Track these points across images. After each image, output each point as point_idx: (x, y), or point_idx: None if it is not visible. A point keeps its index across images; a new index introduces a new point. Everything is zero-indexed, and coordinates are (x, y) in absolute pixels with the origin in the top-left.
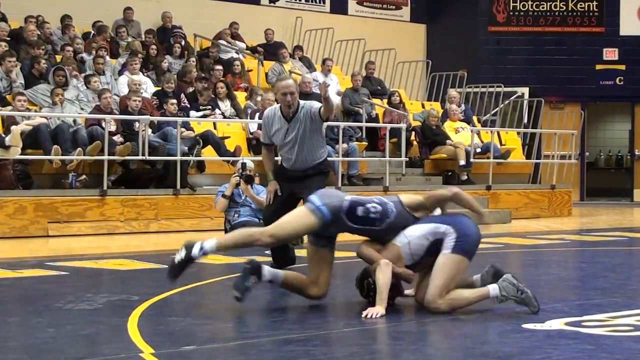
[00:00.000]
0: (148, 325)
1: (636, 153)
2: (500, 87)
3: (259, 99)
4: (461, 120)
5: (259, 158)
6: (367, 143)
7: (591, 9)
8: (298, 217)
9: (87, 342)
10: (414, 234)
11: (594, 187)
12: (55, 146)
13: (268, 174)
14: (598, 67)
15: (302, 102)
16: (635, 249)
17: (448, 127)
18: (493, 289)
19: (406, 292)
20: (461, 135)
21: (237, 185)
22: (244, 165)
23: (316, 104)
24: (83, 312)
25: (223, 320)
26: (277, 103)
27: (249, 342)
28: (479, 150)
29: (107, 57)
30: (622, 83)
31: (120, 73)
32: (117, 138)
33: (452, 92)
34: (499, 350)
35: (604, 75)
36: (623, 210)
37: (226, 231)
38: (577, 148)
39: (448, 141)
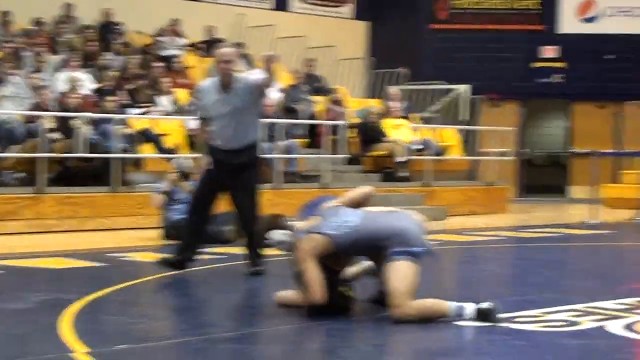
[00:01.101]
0: (82, 324)
1: (573, 150)
2: (440, 84)
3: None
4: (401, 117)
5: (198, 155)
6: (306, 140)
7: (531, 7)
8: (413, 275)
9: (20, 341)
10: None
11: (530, 184)
12: None
13: (203, 148)
14: (537, 65)
15: (240, 74)
16: (570, 245)
17: (388, 124)
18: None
19: None
20: (401, 133)
21: (175, 182)
22: (181, 162)
23: (254, 76)
24: (17, 311)
25: (158, 319)
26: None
27: (184, 341)
28: (420, 146)
29: (47, 54)
30: (560, 81)
31: (60, 70)
32: (55, 135)
33: (393, 89)
34: (433, 346)
35: (543, 73)
36: (559, 207)
37: (163, 229)
38: (514, 145)
39: (387, 138)
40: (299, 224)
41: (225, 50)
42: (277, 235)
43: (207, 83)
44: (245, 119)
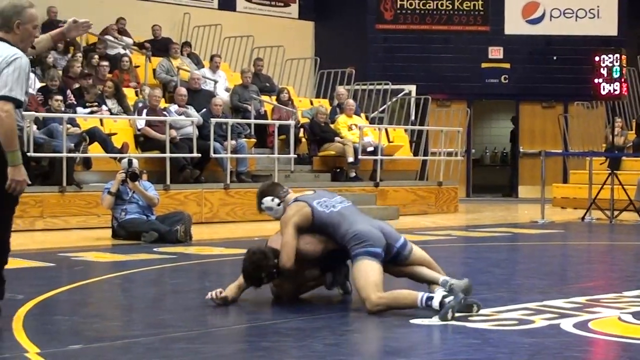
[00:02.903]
0: (33, 325)
1: (520, 150)
2: (388, 84)
3: (146, 95)
4: (355, 115)
5: (146, 155)
6: (255, 140)
7: (477, 8)
8: (374, 271)
9: None
10: None
11: (479, 184)
12: None
13: (17, 155)
14: (483, 65)
15: None
16: (520, 245)
17: (342, 122)
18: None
19: None
20: (354, 133)
21: (124, 182)
22: (130, 162)
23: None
24: None
25: (110, 318)
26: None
27: (137, 341)
28: (371, 149)
29: None
30: (506, 81)
31: None
32: None
33: (340, 89)
34: (387, 345)
35: (490, 74)
36: (508, 207)
37: (113, 229)
38: (463, 145)
39: (337, 138)
40: (291, 196)
41: (35, 12)
42: (267, 201)
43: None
44: None
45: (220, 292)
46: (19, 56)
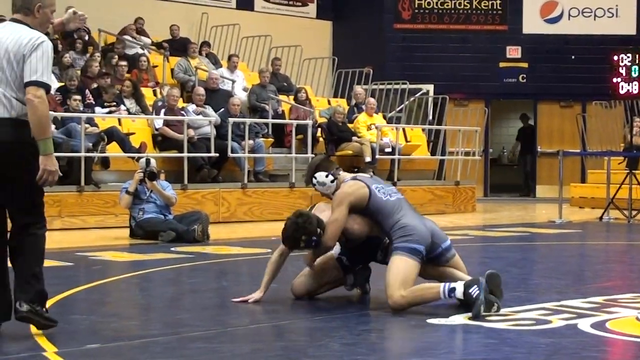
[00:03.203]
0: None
1: (538, 150)
2: (406, 84)
3: (165, 93)
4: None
5: (164, 154)
6: (273, 139)
7: (495, 7)
8: (407, 269)
9: None
10: None
11: (497, 184)
12: None
13: (50, 143)
14: (501, 64)
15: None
16: (537, 244)
17: (362, 121)
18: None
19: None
20: (372, 133)
21: (141, 181)
22: (147, 161)
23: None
24: None
25: (128, 318)
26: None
27: (154, 340)
28: (389, 149)
29: None
30: (524, 81)
31: None
32: None
33: (358, 89)
34: (404, 345)
35: (508, 73)
36: (525, 206)
37: (131, 228)
38: (481, 145)
39: (354, 137)
40: (345, 174)
41: None
42: (321, 176)
43: None
44: None
45: (248, 300)
46: (44, 39)
